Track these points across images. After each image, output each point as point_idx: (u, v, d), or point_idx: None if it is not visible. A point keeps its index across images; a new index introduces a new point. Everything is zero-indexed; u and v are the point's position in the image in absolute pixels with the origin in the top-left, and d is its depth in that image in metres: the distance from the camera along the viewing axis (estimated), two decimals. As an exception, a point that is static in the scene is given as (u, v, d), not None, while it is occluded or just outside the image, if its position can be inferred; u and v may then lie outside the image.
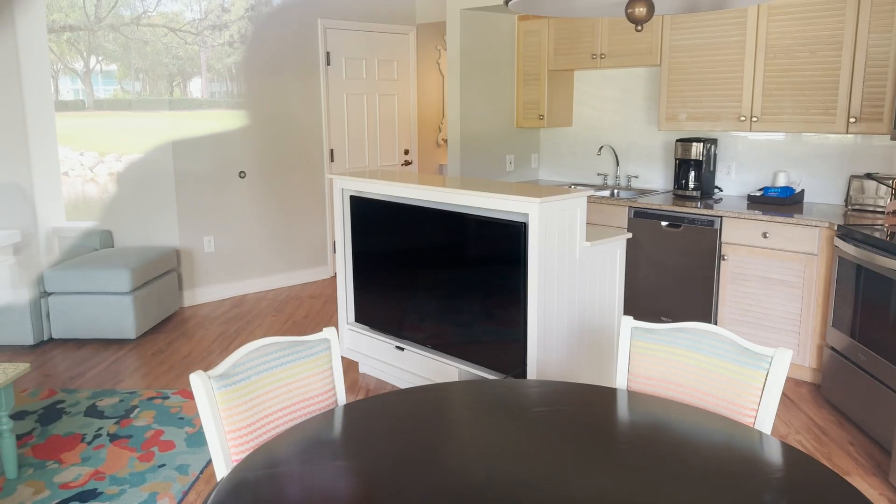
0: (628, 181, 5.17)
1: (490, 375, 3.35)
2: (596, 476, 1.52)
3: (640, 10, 2.01)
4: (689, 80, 4.42)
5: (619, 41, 4.72)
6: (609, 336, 3.46)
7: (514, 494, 1.44)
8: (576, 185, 5.36)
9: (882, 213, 3.88)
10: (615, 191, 5.10)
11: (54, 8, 5.03)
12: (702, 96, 4.37)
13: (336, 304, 5.58)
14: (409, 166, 6.81)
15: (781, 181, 4.30)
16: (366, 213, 3.83)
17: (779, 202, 4.16)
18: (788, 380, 3.97)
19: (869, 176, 3.91)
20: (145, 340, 4.76)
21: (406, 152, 6.77)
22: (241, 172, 5.71)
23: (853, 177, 4.04)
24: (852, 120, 3.79)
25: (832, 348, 3.61)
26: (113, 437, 3.35)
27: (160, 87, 5.43)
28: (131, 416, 3.58)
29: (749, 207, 4.12)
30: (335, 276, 6.38)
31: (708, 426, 1.76)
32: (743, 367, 1.93)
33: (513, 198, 3.04)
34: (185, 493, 2.87)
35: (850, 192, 4.04)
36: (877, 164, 4.05)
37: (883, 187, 3.90)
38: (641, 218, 4.45)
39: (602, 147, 5.23)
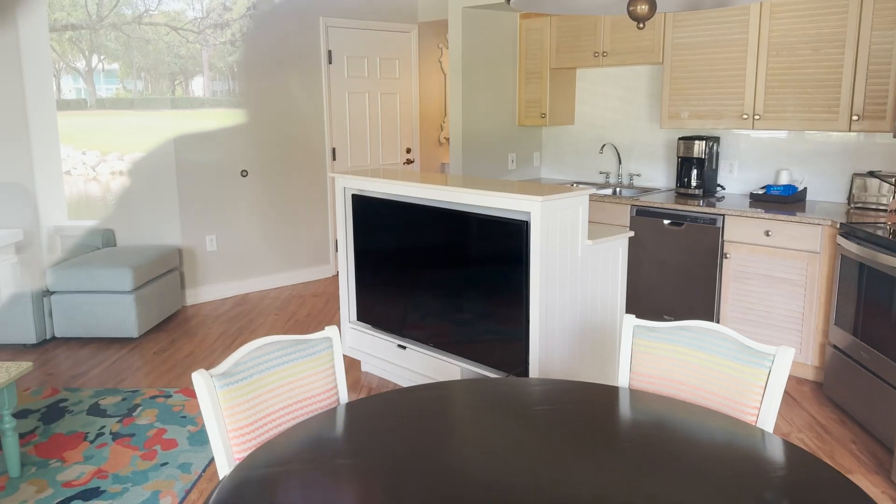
0: (630, 179, 5.17)
1: (492, 374, 3.35)
2: (598, 474, 1.52)
3: (642, 8, 2.01)
4: (691, 78, 4.41)
5: (621, 39, 4.72)
6: (611, 334, 3.46)
7: (515, 492, 1.44)
8: (578, 183, 5.36)
9: (885, 210, 3.88)
10: (617, 189, 5.09)
11: (56, 7, 5.03)
12: (704, 94, 4.37)
13: (338, 302, 5.58)
14: (410, 165, 6.81)
15: (784, 179, 4.29)
16: (368, 211, 3.83)
17: (781, 200, 4.15)
18: (791, 378, 3.97)
19: (872, 174, 3.90)
20: (148, 339, 4.76)
21: (408, 151, 6.77)
22: (243, 171, 5.71)
23: (856, 175, 4.03)
24: (855, 118, 3.78)
25: (834, 346, 3.60)
26: (115, 436, 3.36)
27: (162, 86, 5.43)
28: (134, 414, 3.59)
29: (751, 205, 4.12)
30: (337, 275, 6.39)
31: (710, 424, 1.75)
32: (745, 365, 1.93)
33: (515, 196, 3.04)
34: (188, 492, 2.88)
35: (853, 190, 4.04)
36: (879, 161, 4.05)
37: (886, 185, 3.89)
38: (643, 216, 4.45)
39: (604, 145, 5.23)
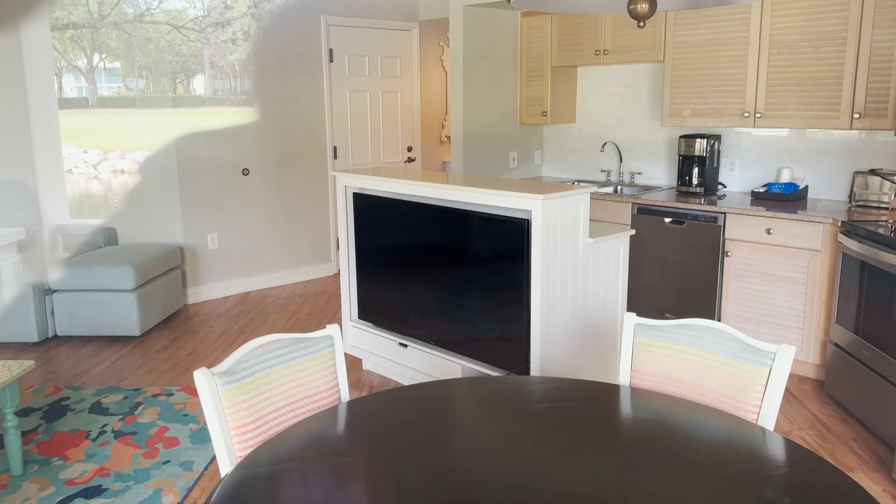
0: (632, 178, 5.17)
1: (493, 372, 3.35)
2: (599, 472, 1.53)
3: (643, 7, 2.01)
4: (692, 77, 4.41)
5: (622, 37, 4.71)
6: (612, 333, 3.46)
7: (517, 491, 1.45)
8: (579, 181, 5.36)
9: (886, 209, 3.87)
10: (618, 187, 5.09)
11: (58, 5, 5.03)
12: (705, 92, 4.36)
13: (339, 301, 5.59)
14: (412, 163, 6.81)
15: (785, 177, 4.29)
16: (369, 210, 3.84)
17: (782, 198, 4.15)
18: (792, 376, 3.97)
19: (873, 172, 3.90)
20: (149, 337, 4.77)
21: (409, 149, 6.77)
22: (244, 170, 5.72)
23: (857, 173, 4.03)
24: (856, 116, 3.78)
25: (836, 344, 3.60)
26: (117, 434, 3.36)
27: (163, 85, 5.43)
28: (136, 412, 3.59)
29: (753, 204, 4.11)
30: (338, 273, 6.39)
31: (711, 423, 1.76)
32: (746, 363, 1.93)
33: (516, 195, 3.04)
34: (190, 490, 2.88)
35: (854, 188, 4.03)
36: (881, 159, 4.04)
37: (887, 183, 3.89)
38: (645, 214, 4.45)
39: (605, 143, 5.23)
